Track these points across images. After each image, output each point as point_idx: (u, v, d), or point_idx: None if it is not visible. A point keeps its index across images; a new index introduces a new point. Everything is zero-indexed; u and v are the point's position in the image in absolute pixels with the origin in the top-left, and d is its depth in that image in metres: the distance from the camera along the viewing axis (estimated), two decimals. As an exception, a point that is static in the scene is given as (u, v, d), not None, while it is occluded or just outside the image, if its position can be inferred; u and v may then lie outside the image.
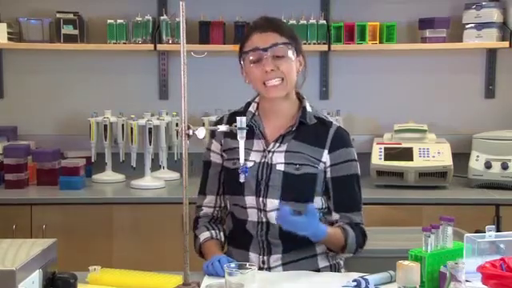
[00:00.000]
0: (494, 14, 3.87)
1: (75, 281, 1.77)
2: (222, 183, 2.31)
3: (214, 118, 3.73)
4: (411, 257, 1.90)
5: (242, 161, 2.02)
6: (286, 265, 2.19)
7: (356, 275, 2.00)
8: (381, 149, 3.70)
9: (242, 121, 1.95)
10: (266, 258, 2.20)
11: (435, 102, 4.08)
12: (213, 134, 2.33)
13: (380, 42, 3.86)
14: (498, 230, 2.18)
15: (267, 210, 2.19)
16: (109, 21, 3.85)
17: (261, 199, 2.19)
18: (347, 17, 3.94)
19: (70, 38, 3.85)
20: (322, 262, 2.23)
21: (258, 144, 2.24)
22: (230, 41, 3.87)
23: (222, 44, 3.88)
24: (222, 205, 2.33)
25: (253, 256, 2.21)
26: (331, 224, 2.23)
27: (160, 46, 3.86)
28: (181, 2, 1.88)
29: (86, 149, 3.81)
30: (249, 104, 2.31)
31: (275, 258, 2.20)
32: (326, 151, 2.22)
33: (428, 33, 3.88)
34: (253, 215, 2.20)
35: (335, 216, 2.24)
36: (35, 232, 3.36)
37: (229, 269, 1.80)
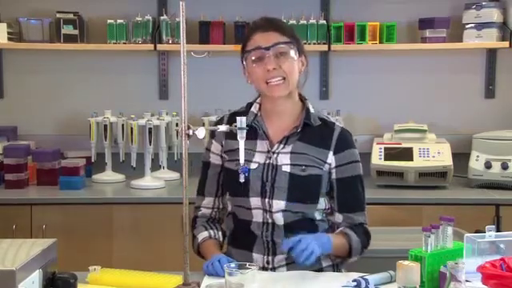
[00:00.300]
0: (493, 14, 3.87)
1: (75, 281, 1.77)
2: (220, 184, 2.31)
3: (214, 118, 3.73)
4: (411, 257, 1.90)
5: (242, 161, 2.02)
6: (290, 264, 2.19)
7: (356, 275, 2.00)
8: (381, 149, 3.70)
9: (241, 121, 1.95)
10: (270, 258, 2.21)
11: (435, 102, 4.07)
12: (213, 135, 2.33)
13: (380, 42, 3.86)
14: (498, 230, 2.18)
15: (273, 211, 2.19)
16: (109, 21, 3.85)
17: (266, 200, 2.19)
18: (347, 17, 3.94)
19: (70, 38, 3.85)
20: (325, 261, 2.24)
21: (261, 145, 2.23)
22: (230, 41, 3.87)
23: (222, 44, 3.88)
24: (221, 206, 2.34)
25: (256, 256, 2.21)
26: (334, 227, 2.25)
27: (160, 46, 3.86)
28: (181, 2, 1.88)
29: (86, 149, 3.81)
30: (250, 104, 2.30)
31: (280, 258, 2.20)
32: (330, 152, 2.23)
33: (428, 33, 3.88)
34: (258, 216, 2.20)
35: (338, 217, 2.26)
36: (35, 232, 3.36)
37: (229, 269, 1.80)
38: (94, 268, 2.04)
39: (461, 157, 3.76)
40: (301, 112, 2.26)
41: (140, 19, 3.86)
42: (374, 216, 3.01)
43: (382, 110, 4.06)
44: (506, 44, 3.85)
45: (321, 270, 2.21)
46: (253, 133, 2.22)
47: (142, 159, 3.67)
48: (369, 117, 4.07)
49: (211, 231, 2.28)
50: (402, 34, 3.98)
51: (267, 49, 2.17)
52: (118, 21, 3.85)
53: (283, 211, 2.18)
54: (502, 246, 1.98)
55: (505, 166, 3.58)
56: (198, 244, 2.27)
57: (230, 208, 2.30)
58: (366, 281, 1.94)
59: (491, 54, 4.04)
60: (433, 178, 3.62)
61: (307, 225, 2.20)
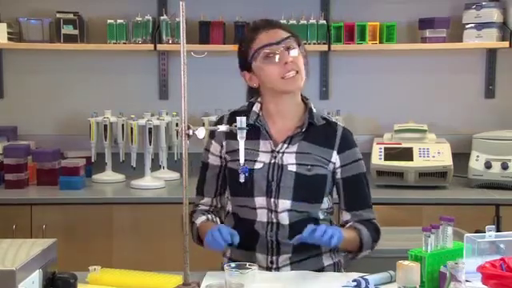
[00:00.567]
0: (493, 14, 3.87)
1: (75, 281, 1.77)
2: (219, 185, 2.31)
3: (213, 118, 3.73)
4: (411, 257, 1.90)
5: (241, 161, 2.02)
6: (293, 264, 2.20)
7: (356, 275, 2.00)
8: (381, 149, 3.70)
9: (242, 121, 1.95)
10: (274, 258, 2.20)
11: (435, 102, 4.07)
12: (212, 135, 2.32)
13: (380, 42, 3.86)
14: (498, 230, 2.18)
15: (278, 210, 2.18)
16: (109, 21, 3.85)
17: (272, 200, 2.19)
18: (347, 17, 3.94)
19: (70, 38, 3.85)
20: (327, 261, 2.25)
21: (265, 145, 2.23)
22: (230, 41, 3.87)
23: (222, 44, 3.88)
24: (219, 205, 2.34)
25: (260, 256, 2.21)
26: (342, 225, 2.26)
27: (160, 46, 3.86)
28: (181, 2, 1.88)
29: (86, 149, 3.81)
30: (252, 104, 2.30)
31: (284, 258, 2.20)
32: (334, 152, 2.24)
33: (428, 33, 3.88)
34: (262, 216, 2.20)
35: (346, 215, 2.27)
36: (35, 232, 3.36)
37: (229, 269, 1.80)
38: (93, 268, 2.04)
39: (461, 157, 3.76)
40: (303, 112, 2.26)
41: (140, 19, 3.86)
42: (374, 216, 3.02)
43: (382, 109, 4.06)
44: (506, 44, 3.85)
45: (322, 269, 2.22)
46: (256, 132, 2.22)
47: (141, 159, 3.67)
48: (369, 117, 4.07)
49: (209, 216, 2.29)
50: (402, 33, 3.98)
51: (278, 43, 2.17)
52: (118, 21, 3.85)
53: (288, 211, 2.18)
54: (502, 246, 1.98)
55: (505, 166, 3.58)
56: (197, 228, 2.25)
57: (230, 208, 2.29)
58: (366, 281, 1.94)
59: (491, 54, 4.04)
60: (433, 178, 3.62)
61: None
